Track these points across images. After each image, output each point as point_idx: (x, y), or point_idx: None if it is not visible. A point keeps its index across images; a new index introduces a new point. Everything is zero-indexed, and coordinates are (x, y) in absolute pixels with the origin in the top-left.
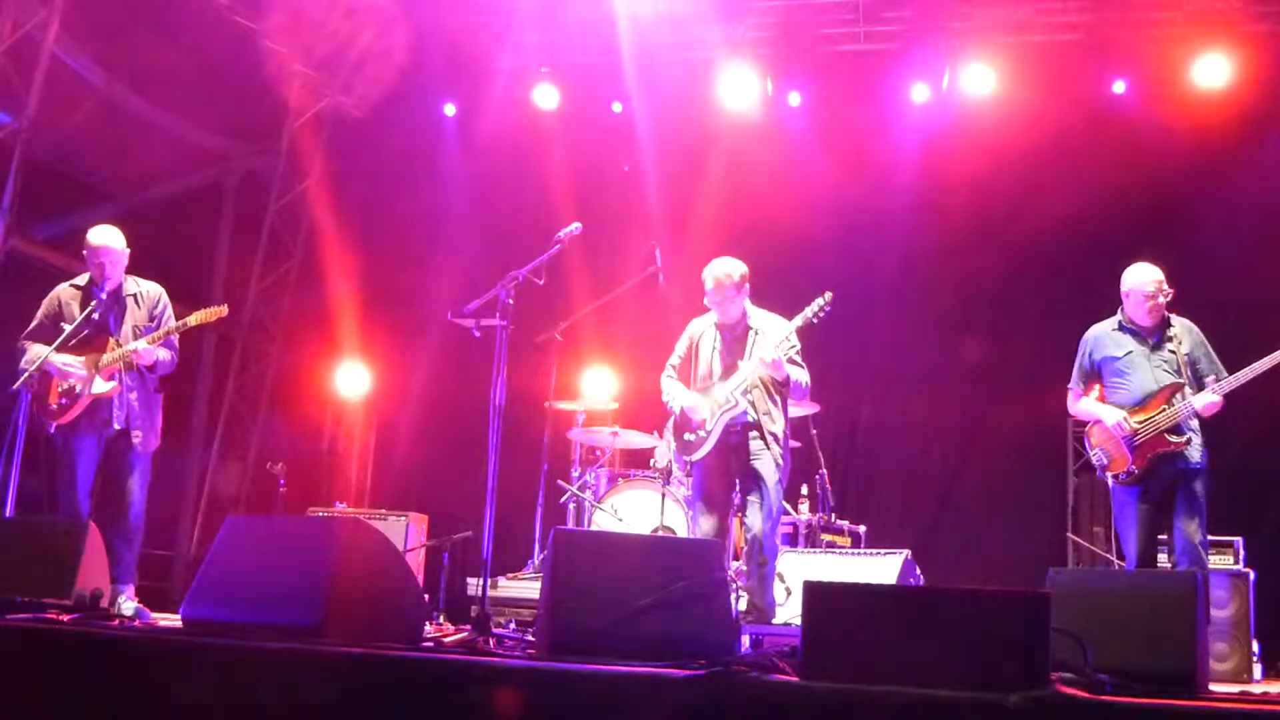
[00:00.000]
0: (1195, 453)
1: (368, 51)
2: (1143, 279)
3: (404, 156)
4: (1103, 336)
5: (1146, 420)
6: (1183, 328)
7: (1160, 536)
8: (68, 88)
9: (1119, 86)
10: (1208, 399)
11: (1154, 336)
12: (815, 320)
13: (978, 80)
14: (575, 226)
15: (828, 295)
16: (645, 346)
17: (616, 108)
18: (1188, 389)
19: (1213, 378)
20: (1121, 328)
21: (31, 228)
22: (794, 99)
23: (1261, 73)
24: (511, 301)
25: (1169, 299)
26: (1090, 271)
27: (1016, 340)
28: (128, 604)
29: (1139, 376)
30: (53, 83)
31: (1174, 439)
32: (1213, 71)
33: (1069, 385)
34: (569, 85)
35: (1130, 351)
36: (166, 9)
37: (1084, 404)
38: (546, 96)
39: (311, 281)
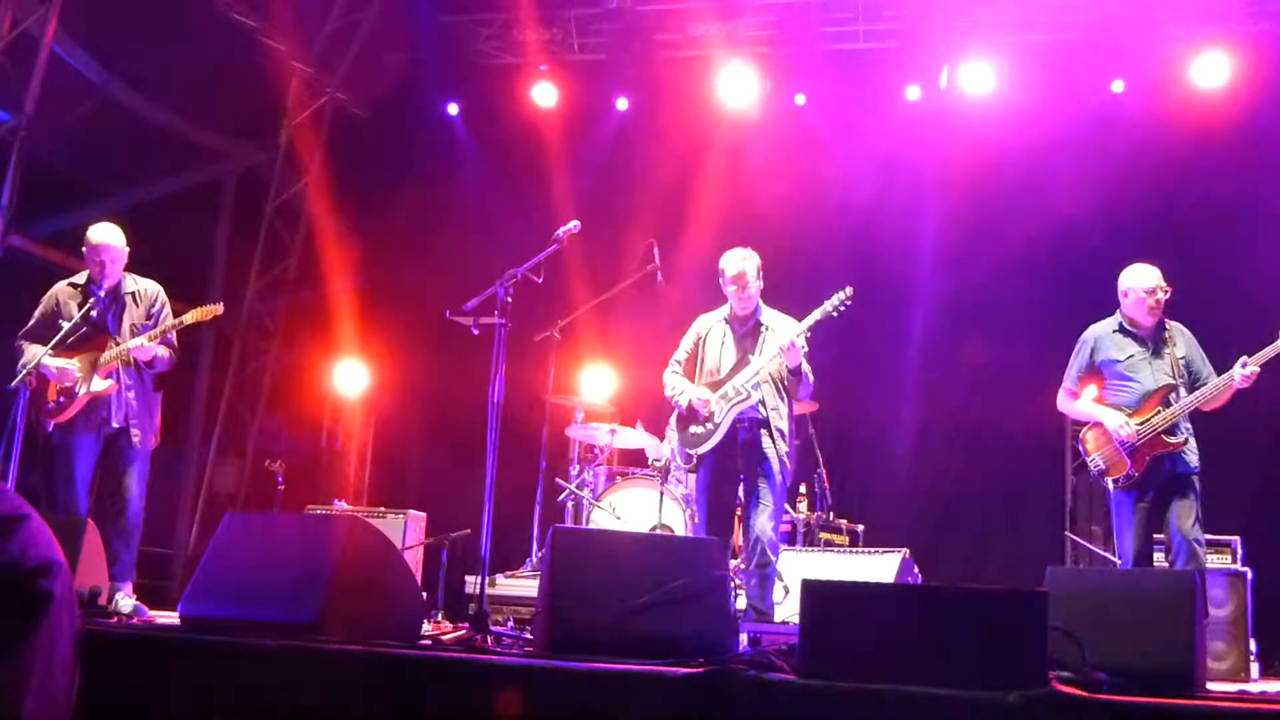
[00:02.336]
0: (1191, 455)
1: (366, 49)
2: (1142, 278)
3: (402, 153)
4: (1104, 337)
5: (1144, 423)
6: (1177, 331)
7: (1156, 535)
8: (66, 85)
9: (1119, 86)
10: (1250, 370)
11: (1153, 340)
12: (836, 314)
13: (977, 79)
14: (574, 224)
15: (848, 290)
16: (644, 345)
17: (622, 104)
18: (1182, 389)
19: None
20: (1121, 330)
21: (30, 225)
22: (797, 99)
23: (1261, 73)
24: (510, 299)
25: (1168, 297)
26: (1089, 270)
27: (1015, 339)
28: (126, 601)
29: (1141, 380)
30: (51, 80)
31: (1171, 439)
32: (1213, 71)
33: (1063, 385)
34: (568, 83)
35: (1132, 355)
36: (165, 6)
37: (1082, 404)
38: (546, 94)
39: (310, 279)
